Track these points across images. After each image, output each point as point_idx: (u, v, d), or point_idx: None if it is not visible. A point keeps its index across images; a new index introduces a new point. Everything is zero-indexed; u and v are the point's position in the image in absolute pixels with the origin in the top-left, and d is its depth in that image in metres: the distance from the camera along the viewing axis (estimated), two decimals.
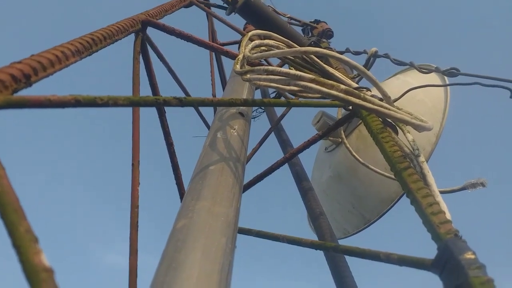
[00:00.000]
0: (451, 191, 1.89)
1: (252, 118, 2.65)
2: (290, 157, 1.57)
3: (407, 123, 1.04)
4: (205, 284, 0.71)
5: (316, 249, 1.11)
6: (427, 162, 1.75)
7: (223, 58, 2.94)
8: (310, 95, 1.79)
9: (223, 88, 2.87)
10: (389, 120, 1.27)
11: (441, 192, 1.35)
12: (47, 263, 0.45)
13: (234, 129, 1.28)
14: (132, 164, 1.18)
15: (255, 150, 2.02)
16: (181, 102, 0.90)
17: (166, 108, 1.49)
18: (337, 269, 1.23)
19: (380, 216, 2.42)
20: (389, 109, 0.99)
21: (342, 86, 0.95)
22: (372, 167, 2.14)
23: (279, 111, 2.57)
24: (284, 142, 2.10)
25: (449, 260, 0.79)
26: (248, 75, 1.07)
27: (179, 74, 1.80)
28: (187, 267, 0.73)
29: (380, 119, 1.28)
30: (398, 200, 2.38)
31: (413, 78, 2.82)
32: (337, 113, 2.31)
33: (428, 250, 0.89)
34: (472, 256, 0.78)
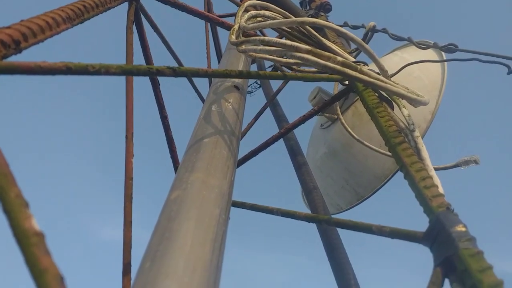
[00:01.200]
0: (444, 168, 1.90)
1: (248, 93, 2.63)
2: (285, 132, 1.57)
3: (403, 97, 1.04)
4: (198, 253, 0.72)
5: (309, 222, 1.12)
6: (422, 138, 1.76)
7: (220, 33, 2.89)
8: (306, 69, 1.77)
9: (219, 62, 2.83)
10: (385, 95, 1.26)
11: (435, 169, 1.35)
12: (37, 227, 0.45)
13: (229, 103, 1.26)
14: (126, 136, 1.17)
15: (250, 125, 2.01)
16: (174, 72, 0.88)
17: (160, 80, 1.47)
18: (330, 242, 1.25)
19: (374, 192, 2.45)
20: (385, 83, 0.99)
21: (339, 58, 0.93)
22: (367, 144, 2.14)
23: (275, 86, 2.55)
24: (279, 117, 2.09)
25: (440, 233, 0.80)
26: (244, 46, 1.05)
27: (173, 46, 1.77)
28: (180, 236, 0.74)
29: (376, 94, 1.27)
30: (392, 177, 2.40)
31: (411, 54, 2.79)
32: (334, 88, 2.29)
33: (420, 227, 0.90)
34: (463, 229, 0.79)
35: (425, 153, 1.07)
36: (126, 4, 1.32)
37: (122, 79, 1.30)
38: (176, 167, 1.49)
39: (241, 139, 1.83)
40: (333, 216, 1.89)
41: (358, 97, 2.71)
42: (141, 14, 1.42)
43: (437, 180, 0.97)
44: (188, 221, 0.77)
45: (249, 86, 2.67)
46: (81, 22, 0.96)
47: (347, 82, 1.46)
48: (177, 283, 0.65)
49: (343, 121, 2.12)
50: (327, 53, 0.93)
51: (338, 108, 2.28)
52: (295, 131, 2.13)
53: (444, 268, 0.78)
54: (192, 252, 0.71)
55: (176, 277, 0.66)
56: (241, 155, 1.63)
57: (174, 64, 1.85)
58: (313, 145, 3.05)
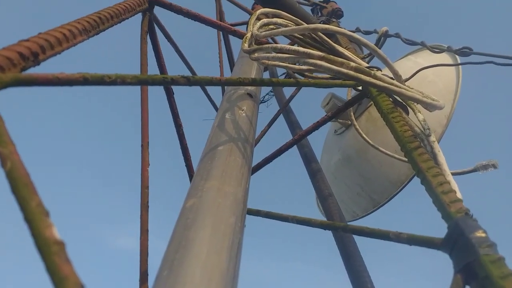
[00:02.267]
0: (462, 173, 1.87)
1: (262, 102, 2.64)
2: (299, 138, 1.57)
3: (418, 101, 1.02)
4: (214, 261, 0.72)
5: (325, 229, 1.11)
6: (438, 143, 1.73)
7: (232, 42, 2.91)
8: (319, 76, 1.77)
9: (231, 70, 2.85)
10: (400, 99, 1.25)
11: (452, 174, 1.33)
12: (58, 236, 0.45)
13: (243, 110, 1.27)
14: (142, 145, 1.18)
15: (264, 132, 2.01)
16: (188, 81, 0.89)
17: (174, 89, 1.49)
18: (346, 249, 1.23)
19: (390, 199, 2.42)
20: (400, 87, 0.98)
21: (352, 64, 0.93)
22: (382, 149, 2.12)
23: (287, 93, 2.55)
24: (292, 124, 2.09)
25: (459, 239, 0.79)
26: (256, 54, 1.06)
27: (186, 55, 1.79)
28: (196, 244, 0.74)
29: (390, 99, 1.26)
30: (408, 183, 2.37)
31: (425, 59, 2.76)
32: (347, 94, 2.28)
33: (438, 234, 0.88)
34: (483, 235, 0.77)
35: (441, 158, 1.06)
36: (140, 15, 1.34)
37: (137, 89, 1.32)
38: (190, 176, 1.50)
39: (254, 146, 1.83)
40: (349, 223, 1.87)
41: (372, 102, 2.69)
42: (155, 24, 1.44)
43: (454, 185, 0.95)
44: (204, 229, 0.78)
45: (264, 96, 2.68)
46: (97, 34, 0.98)
47: (360, 88, 1.46)
48: None
49: (357, 126, 2.10)
50: (340, 59, 0.93)
51: (352, 114, 2.27)
52: (309, 137, 2.13)
53: (464, 275, 0.76)
54: (208, 260, 0.71)
55: (193, 286, 0.66)
56: (255, 162, 1.63)
57: (187, 73, 1.87)
58: (327, 151, 3.04)
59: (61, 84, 0.75)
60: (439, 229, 0.87)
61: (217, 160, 1.00)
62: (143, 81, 0.84)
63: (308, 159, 1.69)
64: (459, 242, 0.79)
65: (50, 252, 0.43)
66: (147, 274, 1.00)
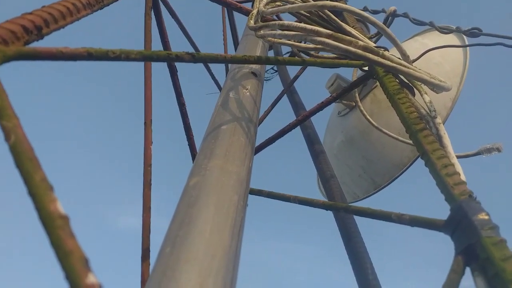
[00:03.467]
0: (466, 156, 1.86)
1: (265, 79, 2.61)
2: (303, 119, 1.56)
3: (425, 82, 1.01)
4: (217, 239, 0.72)
5: (326, 210, 1.11)
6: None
7: (237, 20, 2.86)
8: (325, 55, 1.74)
9: (235, 49, 2.81)
10: (406, 80, 1.23)
11: (456, 157, 1.32)
12: (62, 210, 0.45)
13: (247, 89, 1.26)
14: (145, 122, 1.18)
15: (267, 112, 2.00)
16: (193, 58, 0.88)
17: (178, 68, 1.47)
18: (347, 230, 1.24)
19: (391, 181, 2.42)
20: (408, 67, 0.96)
21: (361, 43, 0.92)
22: (386, 131, 2.11)
23: (292, 73, 2.53)
24: (296, 104, 2.07)
25: (462, 221, 0.79)
26: (262, 31, 1.04)
27: (191, 32, 1.77)
28: (200, 222, 0.74)
29: (397, 80, 1.24)
30: (410, 165, 2.37)
31: (432, 40, 2.72)
32: (353, 74, 2.26)
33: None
34: (486, 217, 0.77)
35: (447, 140, 1.05)
36: None
37: (141, 66, 1.30)
38: (193, 154, 1.50)
39: (258, 126, 1.83)
40: (350, 204, 1.87)
41: (376, 84, 2.66)
42: (159, 0, 1.41)
43: (459, 167, 0.95)
44: (208, 207, 0.78)
45: (266, 71, 2.65)
46: (101, 8, 0.97)
47: (366, 68, 1.44)
48: (197, 268, 0.65)
49: (361, 108, 2.09)
50: (348, 38, 0.91)
51: (356, 95, 2.25)
52: (313, 118, 2.12)
53: (465, 257, 0.77)
54: (211, 237, 0.72)
55: (197, 262, 0.66)
56: (258, 142, 1.63)
57: (191, 50, 1.85)
58: (330, 133, 3.03)
59: (65, 59, 0.74)
60: (438, 215, 0.87)
61: (220, 139, 1.00)
62: (148, 57, 0.83)
63: (311, 140, 1.69)
64: (461, 224, 0.79)
65: (55, 226, 0.43)
66: (149, 251, 1.01)
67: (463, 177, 0.92)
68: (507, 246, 0.73)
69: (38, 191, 0.46)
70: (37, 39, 0.79)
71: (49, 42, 0.83)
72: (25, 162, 0.48)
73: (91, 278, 0.40)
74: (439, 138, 1.06)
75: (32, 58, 0.70)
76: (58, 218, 0.44)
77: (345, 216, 1.25)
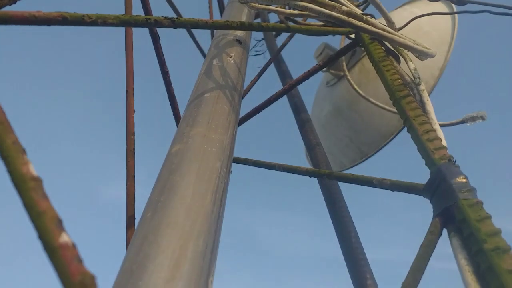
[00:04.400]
0: (450, 124, 1.88)
1: (257, 54, 2.57)
2: (289, 88, 1.54)
3: (409, 48, 1.00)
4: (199, 204, 0.73)
5: (311, 177, 1.12)
6: (429, 95, 1.73)
7: None
8: (312, 23, 1.71)
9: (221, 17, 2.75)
10: (392, 48, 1.22)
11: (440, 125, 1.33)
12: (35, 172, 0.45)
13: (231, 57, 1.24)
14: (126, 91, 1.16)
15: (253, 82, 1.97)
16: (173, 23, 0.85)
17: (160, 35, 1.44)
18: (331, 196, 1.26)
19: (378, 150, 2.45)
20: (391, 33, 0.95)
21: (344, 8, 0.90)
22: (373, 100, 2.12)
23: (279, 42, 2.49)
24: (283, 73, 2.05)
25: (441, 184, 0.80)
26: None
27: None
28: (181, 188, 0.74)
29: (383, 47, 1.23)
30: (397, 134, 2.39)
31: (421, 9, 2.69)
32: (340, 43, 2.23)
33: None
34: (464, 180, 0.78)
35: (429, 107, 1.06)
36: None
37: (122, 33, 1.27)
38: (178, 124, 1.49)
39: (244, 97, 1.81)
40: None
41: (364, 54, 2.64)
42: None
43: (440, 133, 0.96)
44: (189, 173, 0.78)
45: (255, 45, 2.61)
46: None
47: (353, 36, 1.42)
48: (178, 232, 0.66)
49: (349, 77, 2.08)
50: (332, 2, 0.89)
51: (344, 64, 2.23)
52: (301, 91, 2.10)
53: (443, 218, 0.79)
54: (193, 203, 0.72)
55: (178, 226, 0.67)
56: (244, 112, 1.62)
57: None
58: (318, 103, 3.02)
59: (38, 23, 0.72)
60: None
61: (203, 107, 0.99)
62: (125, 22, 0.81)
63: (298, 109, 1.68)
64: (440, 187, 0.81)
65: (27, 188, 0.42)
66: (134, 219, 1.02)
67: (444, 143, 0.93)
68: (483, 208, 0.74)
69: (10, 154, 0.46)
70: (10, 4, 0.76)
71: (21, 7, 0.80)
72: None
73: (64, 237, 0.40)
74: (422, 105, 1.06)
75: (4, 22, 0.68)
76: (31, 180, 0.44)
77: (329, 183, 1.27)
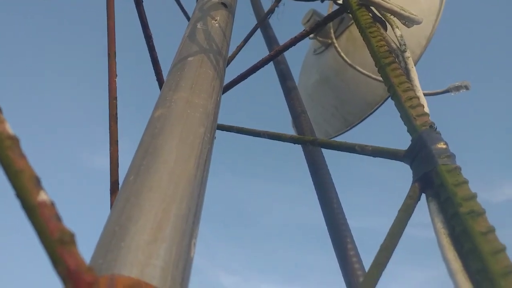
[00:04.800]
0: (435, 93, 1.90)
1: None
2: (275, 54, 1.52)
3: (395, 14, 0.99)
4: (182, 168, 0.73)
5: (295, 143, 1.13)
6: (415, 65, 1.73)
7: None
8: None
9: None
10: (379, 14, 1.21)
11: (424, 95, 1.33)
12: (11, 131, 0.44)
13: (216, 20, 1.21)
14: (108, 54, 1.13)
15: (239, 48, 1.94)
16: None
17: None
18: (314, 163, 1.27)
19: (363, 119, 2.47)
20: None
21: None
22: (359, 69, 2.11)
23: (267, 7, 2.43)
24: (270, 39, 2.02)
25: (421, 150, 0.82)
26: None
27: None
28: (164, 152, 0.74)
29: (370, 14, 1.22)
30: (382, 104, 2.40)
31: None
32: (328, 9, 2.20)
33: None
34: (444, 146, 0.80)
35: (414, 74, 1.06)
36: None
37: None
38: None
39: (229, 63, 1.78)
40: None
41: (352, 21, 2.61)
42: None
43: (423, 100, 0.97)
44: (172, 138, 0.77)
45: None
46: None
47: (341, 2, 1.39)
48: (161, 195, 0.66)
49: (336, 45, 2.06)
50: None
51: (332, 31, 2.21)
52: (289, 60, 2.08)
53: (421, 184, 0.80)
54: (176, 167, 0.72)
55: (160, 190, 0.67)
56: (230, 79, 1.60)
57: None
58: (305, 72, 3.00)
59: None
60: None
61: (186, 71, 0.97)
62: None
63: (284, 76, 1.67)
64: (420, 153, 0.82)
65: (4, 147, 0.42)
66: (118, 184, 1.02)
67: (426, 109, 0.94)
68: (461, 173, 0.76)
69: None
70: None
71: None
72: None
73: (42, 196, 0.40)
74: (407, 72, 1.06)
75: None
76: (7, 139, 0.43)
77: (313, 150, 1.28)
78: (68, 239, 0.37)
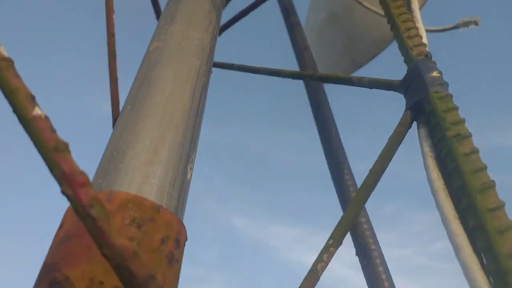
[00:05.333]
0: (443, 30, 1.84)
1: None
2: None
3: None
4: (177, 98, 0.75)
5: (294, 79, 1.14)
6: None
7: None
8: None
9: None
10: None
11: (432, 31, 1.31)
12: (5, 53, 0.46)
13: None
14: None
15: None
16: None
17: None
18: (316, 100, 1.28)
19: (371, 59, 2.42)
20: None
21: None
22: (368, 5, 2.04)
23: None
24: None
25: (415, 79, 0.82)
26: None
27: None
28: (160, 83, 0.76)
29: None
30: (391, 43, 2.34)
31: None
32: None
33: None
34: (437, 75, 0.80)
35: (415, 5, 1.03)
36: None
37: None
38: None
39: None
40: (326, 84, 1.89)
41: None
42: None
43: (422, 31, 0.95)
44: (168, 69, 0.79)
45: None
46: None
47: None
48: (156, 123, 0.69)
49: None
50: None
51: None
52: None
53: (413, 111, 0.82)
54: (171, 97, 0.74)
55: (156, 118, 0.70)
56: (229, 16, 1.57)
57: None
58: (313, 10, 2.91)
59: None
60: None
61: (182, 5, 0.97)
62: None
63: (287, 11, 1.62)
64: (415, 82, 0.82)
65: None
66: None
67: (424, 40, 0.92)
68: (452, 100, 0.77)
69: None
70: None
71: None
72: None
73: (37, 111, 0.43)
74: (408, 3, 1.04)
75: None
76: (2, 60, 0.45)
77: (315, 86, 1.27)
78: (63, 148, 0.40)
